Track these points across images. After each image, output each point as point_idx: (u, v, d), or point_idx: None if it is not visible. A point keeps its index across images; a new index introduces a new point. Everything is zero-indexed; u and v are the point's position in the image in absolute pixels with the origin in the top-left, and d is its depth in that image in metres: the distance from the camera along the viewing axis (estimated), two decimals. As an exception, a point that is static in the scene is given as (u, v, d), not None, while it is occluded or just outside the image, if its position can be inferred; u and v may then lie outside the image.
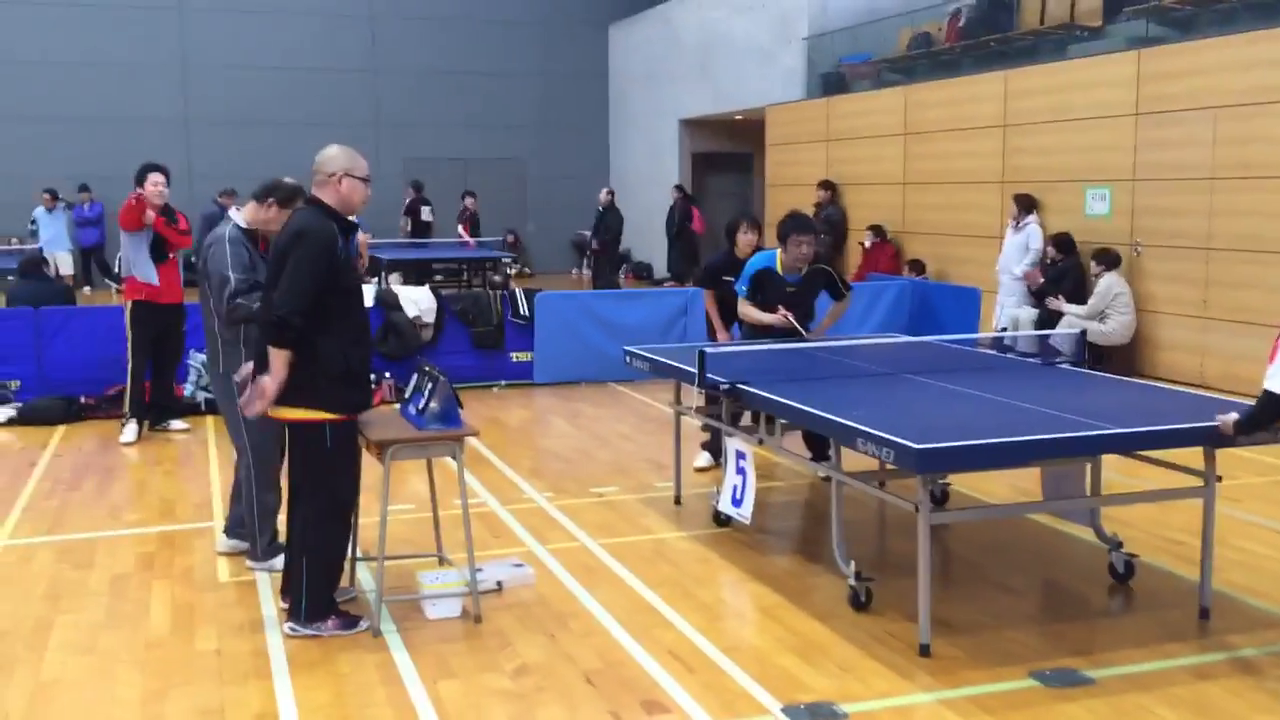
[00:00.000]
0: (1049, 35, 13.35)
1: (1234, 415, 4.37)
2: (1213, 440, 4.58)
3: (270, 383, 4.55)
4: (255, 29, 21.75)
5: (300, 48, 22.06)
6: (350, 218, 4.80)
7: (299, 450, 4.75)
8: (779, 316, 6.68)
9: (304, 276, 4.52)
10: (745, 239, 7.55)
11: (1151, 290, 11.14)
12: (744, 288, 6.86)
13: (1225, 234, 10.35)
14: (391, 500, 6.46)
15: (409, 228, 18.61)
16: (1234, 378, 10.10)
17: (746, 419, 6.03)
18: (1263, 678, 4.24)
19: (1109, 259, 11.07)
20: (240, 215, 5.62)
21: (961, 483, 6.86)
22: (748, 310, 6.86)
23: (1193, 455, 4.82)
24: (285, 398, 4.62)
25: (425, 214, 18.65)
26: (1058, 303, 11.23)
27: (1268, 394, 4.12)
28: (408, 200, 18.79)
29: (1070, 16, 13.04)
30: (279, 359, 4.54)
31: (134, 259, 8.32)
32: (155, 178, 8.28)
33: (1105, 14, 12.64)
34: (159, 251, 8.27)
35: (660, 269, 20.90)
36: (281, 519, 5.32)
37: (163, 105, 21.40)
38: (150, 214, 8.16)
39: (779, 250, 6.80)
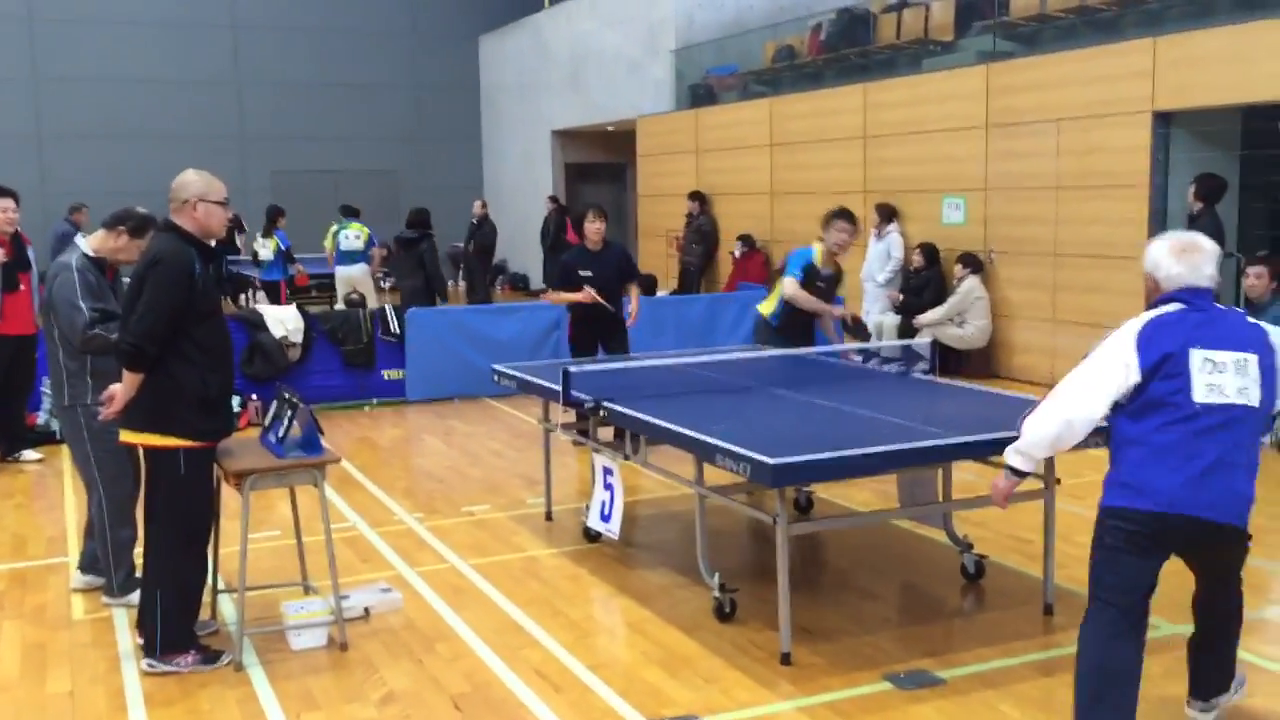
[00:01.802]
0: (905, 49, 13.80)
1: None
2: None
3: (120, 391, 4.57)
4: (110, 39, 21.06)
5: (159, 58, 21.43)
6: (210, 241, 4.75)
7: (151, 477, 4.68)
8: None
9: (160, 302, 4.48)
10: (592, 227, 8.07)
11: (1005, 295, 11.59)
12: (798, 273, 7.31)
13: (1071, 240, 10.83)
14: (257, 527, 6.36)
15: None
16: (1083, 378, 10.56)
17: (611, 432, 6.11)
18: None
19: (973, 261, 11.50)
20: (87, 243, 5.47)
21: (829, 490, 7.05)
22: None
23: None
24: (140, 422, 4.60)
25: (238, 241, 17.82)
26: (923, 316, 11.54)
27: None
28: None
29: (924, 31, 13.50)
30: (131, 380, 4.54)
31: None
32: (5, 203, 7.93)
33: (957, 29, 13.12)
34: (10, 280, 7.93)
35: (536, 280, 20.89)
36: (138, 552, 5.19)
37: (13, 120, 20.58)
38: None
39: (817, 244, 7.49)
